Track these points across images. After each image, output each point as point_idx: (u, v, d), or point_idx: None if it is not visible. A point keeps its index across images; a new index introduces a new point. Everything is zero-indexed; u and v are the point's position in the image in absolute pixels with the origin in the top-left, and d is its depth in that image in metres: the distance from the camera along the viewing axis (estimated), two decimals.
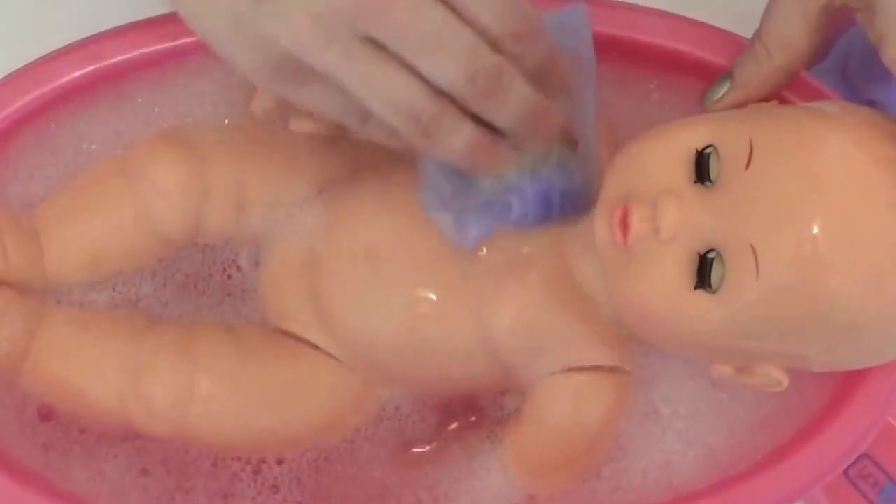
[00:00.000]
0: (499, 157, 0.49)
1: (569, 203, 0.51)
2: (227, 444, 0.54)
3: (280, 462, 0.55)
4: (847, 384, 0.54)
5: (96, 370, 0.53)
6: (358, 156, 0.56)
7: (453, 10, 0.45)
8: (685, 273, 0.48)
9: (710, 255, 0.48)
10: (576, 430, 0.53)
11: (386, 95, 0.45)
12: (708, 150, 0.49)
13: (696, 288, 0.48)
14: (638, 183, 0.50)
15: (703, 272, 0.48)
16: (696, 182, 0.49)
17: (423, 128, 0.46)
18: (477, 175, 0.50)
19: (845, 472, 0.60)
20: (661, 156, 0.50)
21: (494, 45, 0.46)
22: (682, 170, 0.49)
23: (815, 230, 0.46)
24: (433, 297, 0.52)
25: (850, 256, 0.46)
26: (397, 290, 0.52)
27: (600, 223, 0.50)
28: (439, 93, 0.46)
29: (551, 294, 0.52)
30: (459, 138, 0.47)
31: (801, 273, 0.46)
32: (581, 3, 0.52)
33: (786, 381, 0.51)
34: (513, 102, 0.47)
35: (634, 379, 0.54)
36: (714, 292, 0.48)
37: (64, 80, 0.55)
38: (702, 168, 0.49)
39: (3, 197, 0.55)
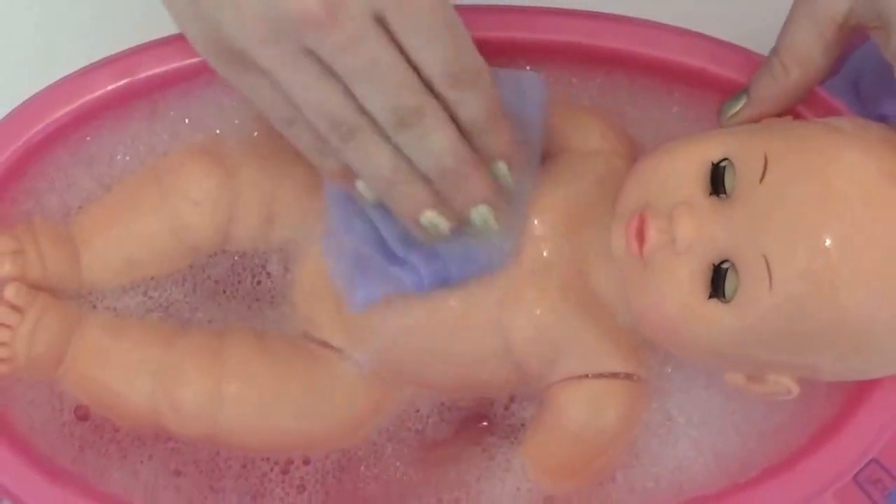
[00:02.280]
0: (416, 199, 0.49)
1: (474, 273, 0.52)
2: (256, 446, 0.56)
3: (307, 462, 0.56)
4: (857, 393, 0.55)
5: (128, 374, 0.54)
6: None
7: (397, 43, 0.46)
8: (699, 283, 0.50)
9: (725, 265, 0.49)
10: (592, 435, 0.54)
11: (314, 100, 0.47)
12: (723, 164, 0.50)
13: (710, 297, 0.49)
14: (654, 195, 0.51)
15: (718, 282, 0.49)
16: (711, 194, 0.50)
17: (342, 136, 0.47)
18: (393, 217, 0.50)
19: (854, 476, 0.59)
20: (678, 169, 0.51)
21: (429, 86, 0.47)
22: (698, 182, 0.50)
23: (828, 243, 0.47)
24: (454, 303, 0.53)
25: (861, 269, 0.47)
26: (419, 297, 0.53)
27: (617, 234, 0.52)
28: (365, 112, 0.47)
29: (570, 302, 0.53)
30: (376, 160, 0.48)
31: (814, 285, 0.47)
32: (538, 72, 0.53)
33: (796, 390, 0.52)
34: (432, 148, 0.48)
35: (650, 387, 0.55)
36: (727, 302, 0.49)
37: (98, 93, 0.56)
38: (717, 181, 0.50)
39: (41, 206, 0.57)
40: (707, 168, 0.50)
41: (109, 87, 0.56)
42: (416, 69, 0.47)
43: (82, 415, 0.56)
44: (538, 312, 0.53)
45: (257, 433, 0.55)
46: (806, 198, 0.48)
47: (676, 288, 0.50)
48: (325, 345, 0.56)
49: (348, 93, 0.47)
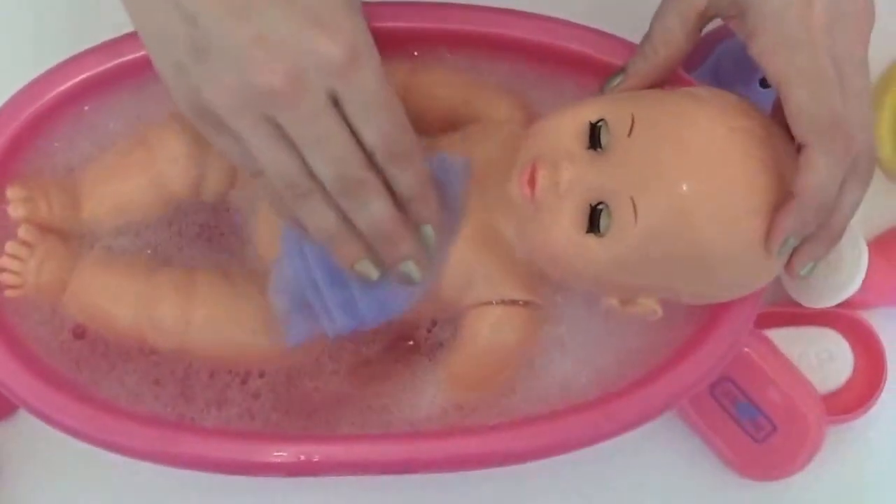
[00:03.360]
0: (353, 251, 0.56)
1: (386, 318, 0.60)
2: (219, 358, 0.64)
3: (262, 375, 0.65)
4: (709, 320, 0.63)
5: (118, 298, 0.63)
6: None
7: (348, 121, 0.52)
8: (579, 221, 0.58)
9: (600, 206, 0.57)
10: (495, 352, 0.63)
11: (274, 165, 0.53)
12: (599, 123, 0.59)
13: (588, 232, 0.58)
14: (544, 149, 0.60)
15: (594, 220, 0.58)
16: (589, 148, 0.59)
17: (295, 196, 0.53)
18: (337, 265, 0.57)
19: (711, 390, 0.70)
20: (562, 127, 0.59)
21: (371, 158, 0.53)
22: (579, 139, 0.59)
23: (684, 186, 0.56)
24: None
25: (709, 205, 0.56)
26: None
27: (514, 182, 0.60)
28: (316, 177, 0.53)
29: (479, 241, 0.62)
30: (322, 219, 0.54)
31: (671, 221, 0.56)
32: (466, 158, 0.61)
33: (660, 312, 0.61)
34: (371, 213, 0.54)
35: (544, 313, 0.64)
36: (602, 236, 0.58)
37: (94, 72, 0.63)
38: (594, 137, 0.59)
39: (49, 165, 0.65)
40: (586, 127, 0.59)
41: (101, 68, 0.63)
42: (361, 143, 0.53)
43: (79, 334, 0.65)
44: (455, 249, 0.61)
45: (220, 348, 0.63)
46: (665, 148, 0.56)
47: (560, 225, 0.58)
48: None
49: (303, 159, 0.53)
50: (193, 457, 0.61)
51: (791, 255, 0.59)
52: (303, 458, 0.61)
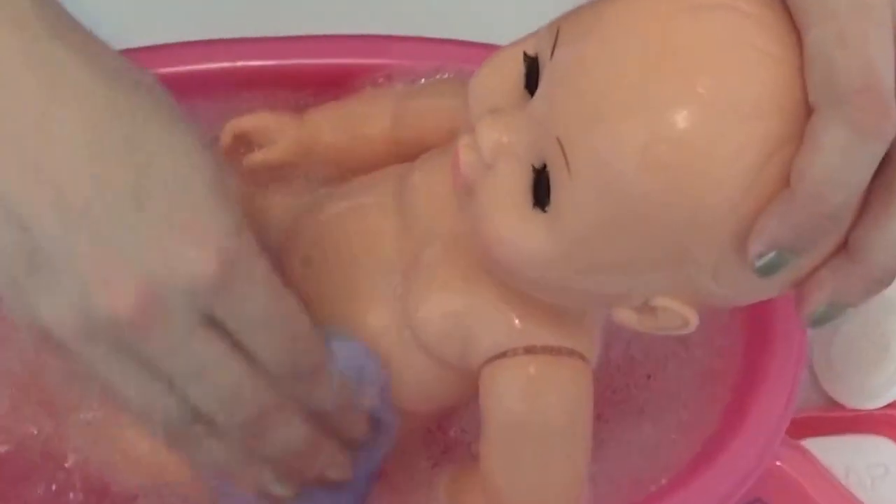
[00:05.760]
0: (258, 478, 0.48)
1: None
2: None
3: None
4: (724, 425, 0.55)
5: None
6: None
7: (234, 338, 0.44)
8: (521, 193, 0.44)
9: (546, 168, 0.43)
10: (532, 426, 0.48)
11: (141, 402, 0.45)
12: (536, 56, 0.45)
13: (535, 206, 0.43)
14: (471, 112, 0.46)
15: (539, 188, 0.43)
16: (528, 91, 0.45)
17: (176, 437, 0.46)
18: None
19: None
20: (491, 76, 0.46)
21: (273, 383, 0.46)
22: (508, 85, 0.45)
23: (620, 104, 0.40)
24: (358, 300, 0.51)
25: (676, 130, 0.39)
26: (325, 295, 0.51)
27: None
28: (199, 411, 0.45)
29: (458, 276, 0.49)
30: (215, 455, 0.47)
31: (609, 163, 0.40)
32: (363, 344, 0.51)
33: (694, 319, 0.45)
34: (278, 440, 0.47)
35: (590, 367, 0.49)
36: (548, 209, 0.43)
37: None
38: (531, 76, 0.44)
39: None
40: (520, 68, 0.45)
41: None
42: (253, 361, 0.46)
43: None
44: (435, 293, 0.49)
45: None
46: (589, 57, 0.41)
47: (498, 204, 0.44)
48: None
49: (175, 391, 0.45)
50: None
51: (807, 283, 0.44)
52: None
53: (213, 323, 0.44)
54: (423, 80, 0.58)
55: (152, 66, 0.56)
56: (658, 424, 0.55)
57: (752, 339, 0.57)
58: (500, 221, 0.44)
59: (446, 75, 0.59)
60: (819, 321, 0.43)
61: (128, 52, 0.56)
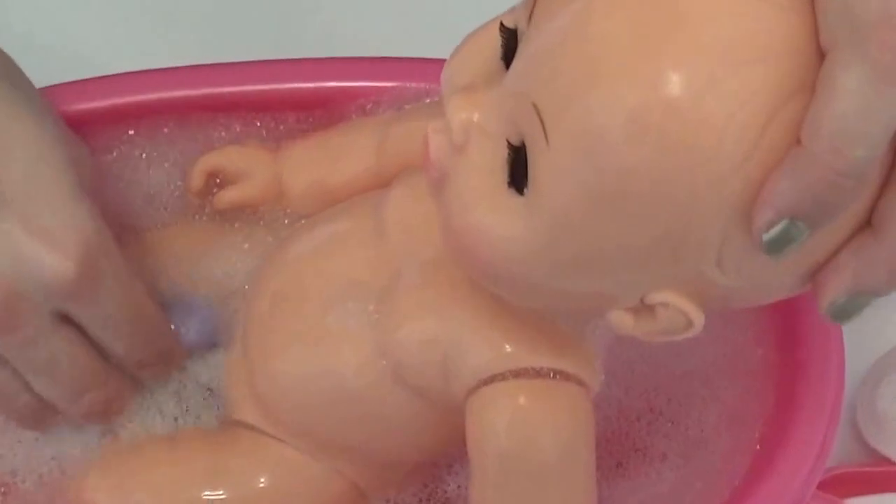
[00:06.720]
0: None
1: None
2: None
3: None
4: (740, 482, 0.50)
5: None
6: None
7: (86, 334, 0.49)
8: (496, 173, 0.39)
9: (522, 144, 0.39)
10: (524, 459, 0.44)
11: None
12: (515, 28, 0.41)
13: (511, 190, 0.39)
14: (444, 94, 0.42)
15: (516, 166, 0.39)
16: (504, 66, 0.41)
17: (21, 418, 0.51)
18: None
19: None
20: (462, 59, 0.42)
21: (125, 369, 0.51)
22: (483, 61, 0.41)
23: (605, 59, 0.36)
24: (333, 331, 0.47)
25: (669, 88, 0.35)
26: (297, 331, 0.49)
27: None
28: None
29: (436, 295, 0.45)
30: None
31: (589, 131, 0.36)
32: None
33: (698, 318, 0.40)
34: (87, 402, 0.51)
35: (589, 393, 0.45)
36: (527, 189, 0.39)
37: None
38: (508, 48, 0.41)
39: None
40: (496, 42, 0.41)
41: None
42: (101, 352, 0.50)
43: None
44: (412, 313, 0.45)
45: None
46: (565, 15, 0.38)
47: (470, 190, 0.40)
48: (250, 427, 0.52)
49: (29, 387, 0.49)
50: None
51: (825, 268, 0.39)
52: None
53: (67, 320, 0.47)
54: (407, 107, 0.56)
55: (132, 93, 0.57)
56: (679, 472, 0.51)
57: (780, 381, 0.52)
58: (473, 209, 0.39)
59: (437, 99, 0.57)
60: (841, 314, 0.38)
61: (107, 79, 0.58)
